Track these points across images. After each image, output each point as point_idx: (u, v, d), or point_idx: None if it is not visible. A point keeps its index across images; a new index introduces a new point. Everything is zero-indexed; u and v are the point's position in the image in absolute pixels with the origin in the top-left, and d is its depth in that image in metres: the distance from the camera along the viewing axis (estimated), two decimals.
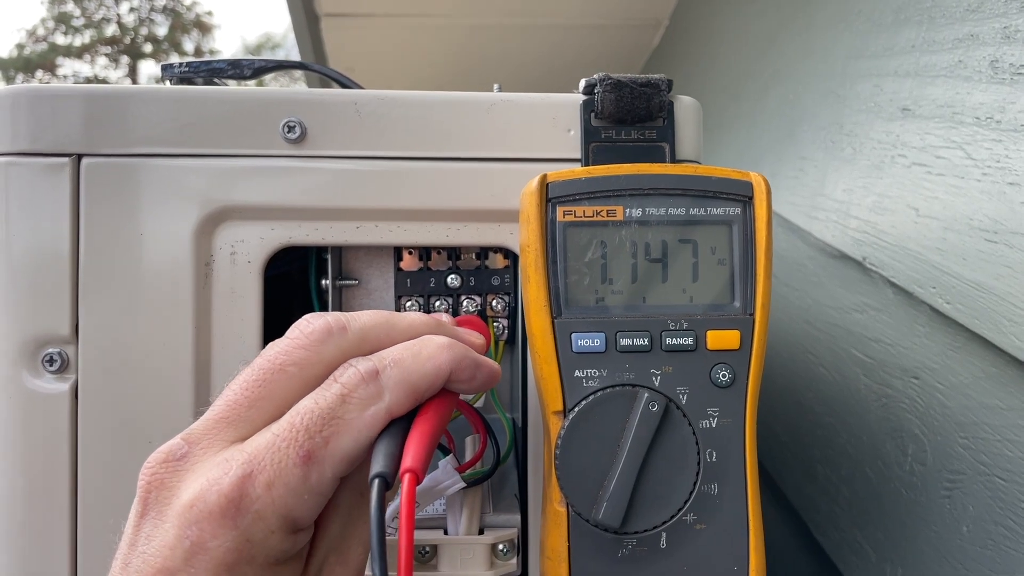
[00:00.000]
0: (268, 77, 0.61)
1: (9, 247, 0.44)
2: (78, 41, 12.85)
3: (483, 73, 1.73)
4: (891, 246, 0.60)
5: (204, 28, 13.19)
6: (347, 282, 0.50)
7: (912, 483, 0.57)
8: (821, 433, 0.72)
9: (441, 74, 1.73)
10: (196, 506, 0.29)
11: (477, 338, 0.40)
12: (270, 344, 0.36)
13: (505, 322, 0.50)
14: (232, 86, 0.52)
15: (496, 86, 0.52)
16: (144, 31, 13.12)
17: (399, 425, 0.34)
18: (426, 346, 0.35)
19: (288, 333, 0.34)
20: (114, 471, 0.44)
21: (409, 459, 0.32)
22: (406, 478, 0.31)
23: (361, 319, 0.35)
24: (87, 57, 12.85)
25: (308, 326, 0.34)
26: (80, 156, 0.45)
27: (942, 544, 0.53)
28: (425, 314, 0.39)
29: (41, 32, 12.69)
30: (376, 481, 0.31)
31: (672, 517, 0.38)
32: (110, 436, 0.44)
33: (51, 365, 0.44)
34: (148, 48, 13.12)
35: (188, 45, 13.08)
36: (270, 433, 0.31)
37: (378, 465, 0.32)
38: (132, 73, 12.87)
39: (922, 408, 0.56)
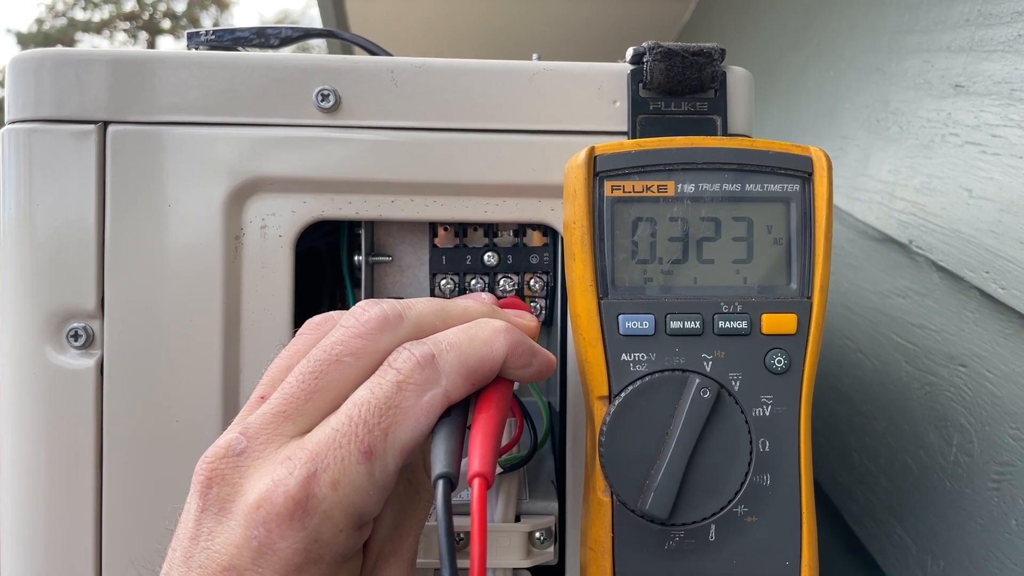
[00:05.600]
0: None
1: (32, 217, 0.43)
2: (97, 16, 12.85)
3: (510, 45, 1.70)
4: (941, 229, 0.58)
5: (222, 4, 13.15)
6: (380, 258, 0.48)
7: (957, 474, 0.55)
8: (858, 420, 0.70)
9: (465, 46, 1.70)
10: (263, 507, 0.29)
11: (530, 320, 0.38)
12: (309, 323, 0.34)
13: (543, 302, 0.49)
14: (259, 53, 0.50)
15: (535, 55, 0.50)
16: (163, 6, 13.11)
17: (457, 414, 0.32)
18: (482, 329, 0.33)
19: (343, 321, 0.33)
20: (140, 449, 0.43)
21: (476, 462, 0.30)
22: (475, 483, 0.30)
23: (416, 307, 0.34)
24: (106, 32, 12.86)
25: (364, 314, 0.33)
26: (106, 123, 0.43)
27: (988, 537, 0.51)
28: (477, 300, 0.38)
29: (60, 7, 12.70)
30: (440, 482, 0.30)
31: (722, 509, 0.37)
32: (136, 413, 0.43)
33: (76, 340, 0.43)
34: (166, 24, 13.12)
35: (206, 21, 13.05)
36: (329, 428, 0.30)
37: (440, 464, 0.30)
38: (150, 49, 12.88)
39: (969, 397, 0.54)
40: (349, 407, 0.31)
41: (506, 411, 0.34)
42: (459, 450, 0.31)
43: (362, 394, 0.31)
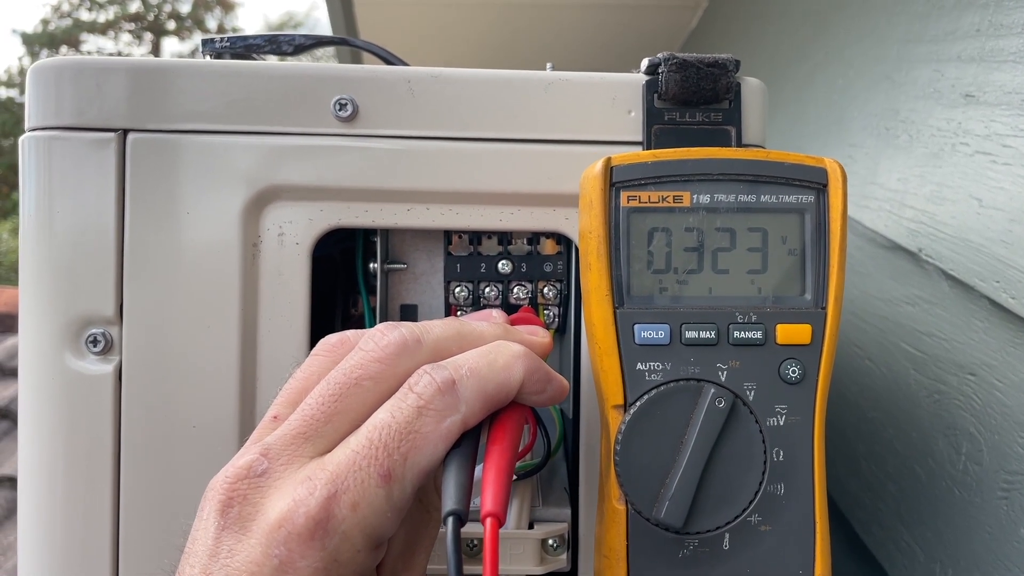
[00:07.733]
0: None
1: (52, 224, 0.43)
2: (102, 17, 12.87)
3: (518, 52, 1.71)
4: (950, 238, 0.58)
5: (227, 6, 13.16)
6: (395, 266, 0.48)
7: (966, 482, 0.55)
8: (866, 428, 0.70)
9: (473, 53, 1.71)
10: (284, 527, 0.29)
11: (543, 337, 0.38)
12: (323, 343, 0.35)
13: (556, 310, 0.49)
14: (276, 62, 0.51)
15: (549, 65, 0.50)
16: (167, 8, 13.13)
17: (468, 442, 0.32)
18: (501, 354, 0.34)
19: (362, 344, 0.33)
20: (158, 454, 0.44)
21: (489, 501, 0.30)
22: (488, 523, 0.30)
23: (434, 331, 0.34)
24: (111, 33, 12.87)
25: (383, 339, 0.33)
26: (126, 131, 0.43)
27: (997, 546, 0.51)
28: (488, 319, 0.38)
29: (66, 8, 12.73)
30: (451, 519, 0.30)
31: (736, 518, 0.37)
32: (154, 419, 0.43)
33: (95, 346, 0.43)
34: (171, 25, 13.13)
35: (211, 23, 13.08)
36: (349, 449, 0.31)
37: (451, 501, 0.30)
38: (155, 50, 12.89)
39: (979, 406, 0.55)
40: (369, 430, 0.31)
41: (519, 440, 0.34)
42: (470, 482, 0.31)
43: (382, 417, 0.31)
